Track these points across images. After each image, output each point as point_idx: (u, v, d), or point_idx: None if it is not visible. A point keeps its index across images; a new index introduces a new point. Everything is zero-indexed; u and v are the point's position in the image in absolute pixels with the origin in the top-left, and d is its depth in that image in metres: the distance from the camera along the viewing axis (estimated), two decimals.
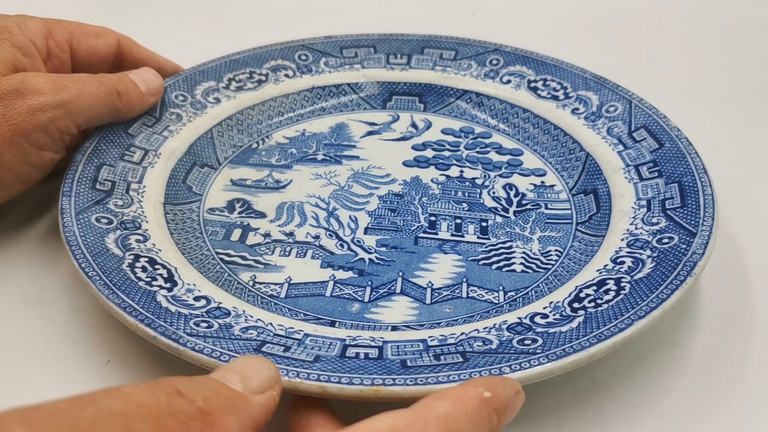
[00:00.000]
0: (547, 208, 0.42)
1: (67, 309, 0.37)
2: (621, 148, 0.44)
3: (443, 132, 0.49)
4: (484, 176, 0.45)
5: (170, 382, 0.23)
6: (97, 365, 0.34)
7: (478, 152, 0.47)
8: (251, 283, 0.37)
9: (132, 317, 0.31)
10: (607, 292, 0.33)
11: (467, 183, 0.45)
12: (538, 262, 0.39)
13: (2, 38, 0.40)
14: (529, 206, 0.43)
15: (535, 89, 0.49)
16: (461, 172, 0.45)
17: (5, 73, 0.39)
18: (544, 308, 0.33)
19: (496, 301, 0.36)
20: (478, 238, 0.40)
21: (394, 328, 0.35)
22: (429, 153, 0.47)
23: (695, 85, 0.57)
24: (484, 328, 0.32)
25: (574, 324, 0.31)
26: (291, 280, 0.38)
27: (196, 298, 0.34)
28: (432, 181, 0.45)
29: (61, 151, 0.40)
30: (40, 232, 0.42)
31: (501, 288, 0.37)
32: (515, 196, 0.43)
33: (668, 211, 0.38)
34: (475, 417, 0.24)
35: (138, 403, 0.21)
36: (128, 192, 0.40)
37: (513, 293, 0.37)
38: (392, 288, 0.37)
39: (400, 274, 0.38)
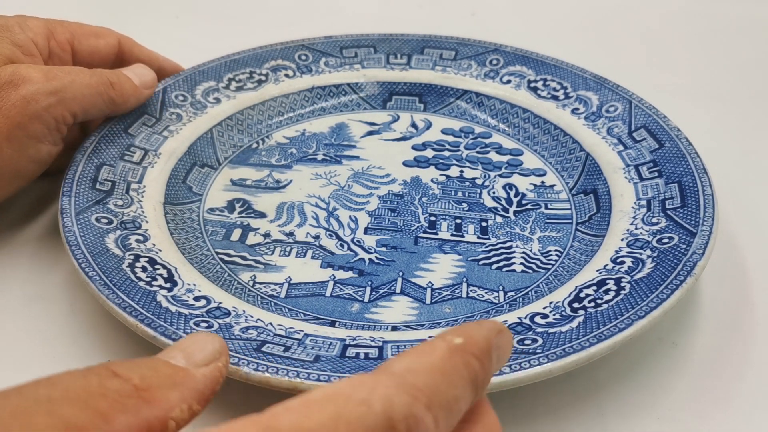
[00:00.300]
0: (547, 208, 0.42)
1: (67, 309, 0.37)
2: (621, 148, 0.44)
3: (443, 132, 0.49)
4: (484, 176, 0.45)
5: (106, 365, 0.22)
6: None
7: (478, 152, 0.47)
8: (251, 283, 0.37)
9: (132, 317, 0.31)
10: (607, 292, 0.33)
11: (467, 183, 0.45)
12: (538, 262, 0.39)
13: (2, 36, 0.40)
14: (529, 206, 0.43)
15: (535, 89, 0.49)
16: (461, 172, 0.45)
17: (7, 53, 0.39)
18: (544, 308, 0.33)
19: (496, 301, 0.36)
20: (478, 238, 0.40)
21: (394, 328, 0.35)
22: (429, 153, 0.47)
23: (695, 85, 0.57)
24: None
25: (574, 324, 0.31)
26: (291, 280, 0.38)
27: (196, 298, 0.34)
28: (432, 181, 0.45)
29: (59, 144, 0.40)
30: (40, 232, 0.42)
31: (501, 288, 0.37)
32: (515, 196, 0.43)
33: (668, 211, 0.38)
34: (445, 368, 0.21)
35: (65, 387, 0.21)
36: (128, 192, 0.40)
37: (513, 293, 0.37)
38: (392, 288, 0.37)
39: (400, 274, 0.38)
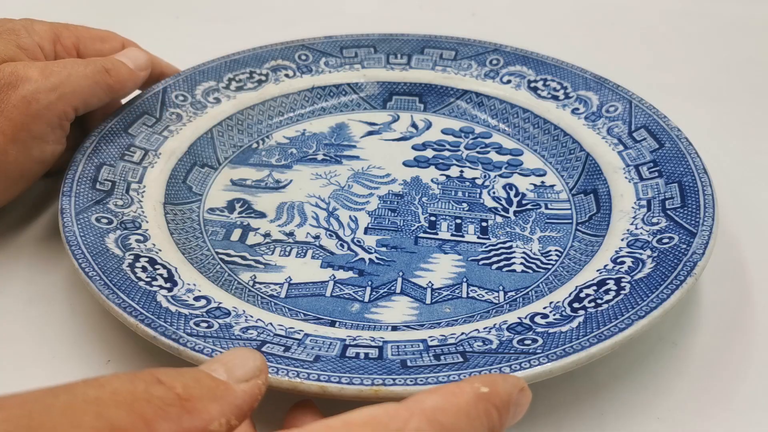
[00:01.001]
0: (547, 208, 0.42)
1: (67, 309, 0.37)
2: (621, 148, 0.44)
3: (443, 132, 0.49)
4: (484, 176, 0.45)
5: (151, 371, 0.23)
6: (97, 365, 0.34)
7: (478, 152, 0.47)
8: (251, 283, 0.37)
9: (132, 317, 0.31)
10: (607, 292, 0.33)
11: (467, 183, 0.45)
12: (538, 262, 0.39)
13: (9, 39, 0.40)
14: (529, 206, 0.43)
15: (535, 89, 0.49)
16: (461, 172, 0.45)
17: (13, 55, 0.39)
18: (544, 308, 0.33)
19: (496, 301, 0.36)
20: (478, 238, 0.40)
21: (394, 328, 0.35)
22: (429, 153, 0.47)
23: (695, 85, 0.57)
24: (484, 328, 0.32)
25: (574, 324, 0.31)
26: (291, 280, 0.38)
27: (196, 298, 0.34)
28: (432, 181, 0.45)
29: (62, 143, 0.40)
30: (40, 232, 0.42)
31: (501, 288, 0.37)
32: (515, 196, 0.43)
33: (668, 211, 0.38)
34: (469, 412, 0.23)
35: (113, 390, 0.21)
36: (128, 192, 0.40)
37: (513, 293, 0.37)
38: (392, 288, 0.37)
39: (400, 274, 0.38)
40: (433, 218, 0.42)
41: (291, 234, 0.41)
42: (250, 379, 0.25)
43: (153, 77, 0.47)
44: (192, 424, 0.22)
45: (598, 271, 0.35)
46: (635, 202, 0.39)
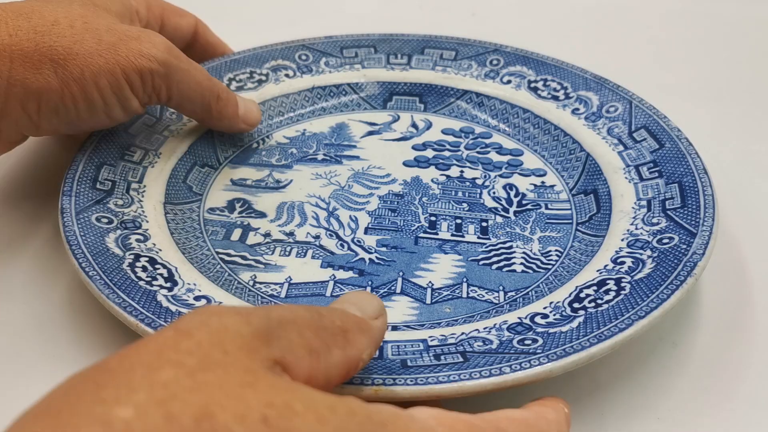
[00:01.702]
0: (547, 208, 0.42)
1: (67, 309, 0.37)
2: (621, 148, 0.44)
3: (443, 132, 0.49)
4: (485, 176, 0.45)
5: (307, 306, 0.25)
6: None
7: (478, 152, 0.47)
8: (251, 282, 0.37)
9: (132, 317, 0.31)
10: (607, 292, 0.33)
11: (467, 183, 0.45)
12: (538, 262, 0.39)
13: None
14: (529, 206, 0.43)
15: (535, 89, 0.49)
16: (461, 172, 0.45)
17: (120, 11, 0.41)
18: (545, 308, 0.33)
19: (497, 301, 0.36)
20: (479, 238, 0.40)
21: (395, 328, 0.35)
22: (429, 153, 0.47)
23: (695, 85, 0.57)
24: (485, 328, 0.32)
25: (575, 324, 0.31)
26: (291, 279, 0.38)
27: (197, 298, 0.34)
28: (432, 181, 0.45)
29: (142, 110, 0.40)
30: (40, 231, 0.42)
31: (501, 288, 0.37)
32: (515, 196, 0.43)
33: (668, 212, 0.38)
34: None
35: (299, 315, 0.24)
36: (128, 191, 0.40)
37: (513, 293, 0.37)
38: (392, 288, 0.37)
39: (401, 274, 0.38)
40: (433, 218, 0.42)
41: (291, 234, 0.41)
42: (378, 316, 0.27)
43: (199, 47, 0.49)
44: (351, 352, 0.25)
45: (598, 271, 0.35)
46: (635, 203, 0.40)
